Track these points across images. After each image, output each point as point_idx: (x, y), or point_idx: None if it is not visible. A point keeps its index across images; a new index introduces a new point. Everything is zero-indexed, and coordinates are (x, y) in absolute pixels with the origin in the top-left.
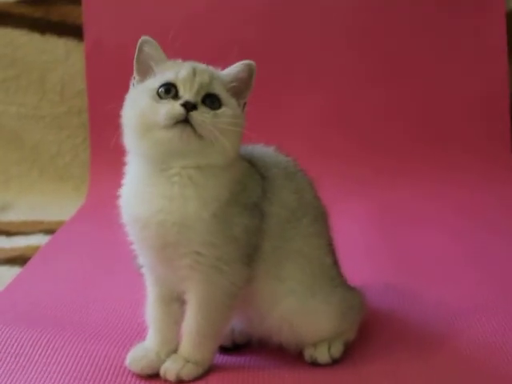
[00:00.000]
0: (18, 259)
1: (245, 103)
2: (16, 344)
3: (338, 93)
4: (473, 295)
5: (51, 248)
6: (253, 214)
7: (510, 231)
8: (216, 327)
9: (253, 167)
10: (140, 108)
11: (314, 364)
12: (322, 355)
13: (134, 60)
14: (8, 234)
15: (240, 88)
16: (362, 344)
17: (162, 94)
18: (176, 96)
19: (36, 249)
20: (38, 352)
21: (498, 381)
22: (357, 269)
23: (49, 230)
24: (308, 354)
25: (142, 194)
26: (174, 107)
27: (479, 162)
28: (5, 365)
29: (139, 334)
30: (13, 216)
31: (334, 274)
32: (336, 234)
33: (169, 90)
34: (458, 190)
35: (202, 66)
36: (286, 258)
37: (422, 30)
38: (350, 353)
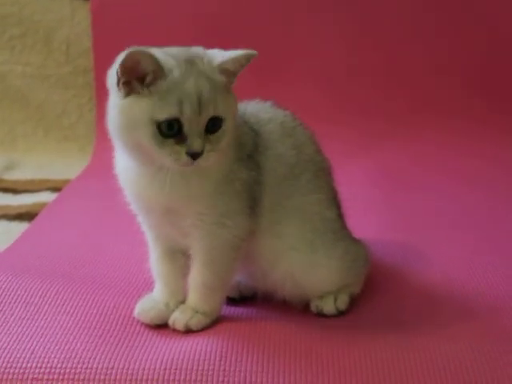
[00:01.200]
0: (26, 215)
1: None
2: (26, 294)
3: (338, 54)
4: (473, 252)
5: (58, 204)
6: (249, 167)
7: (506, 191)
8: (222, 279)
9: (245, 124)
10: (139, 139)
11: (320, 315)
12: (328, 306)
13: (120, 69)
14: (15, 191)
15: (234, 72)
16: (367, 296)
17: (165, 131)
18: (179, 132)
19: (43, 205)
20: (48, 302)
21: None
22: (358, 226)
23: (55, 187)
24: (314, 304)
25: (138, 176)
26: (181, 157)
27: (481, 127)
28: (15, 313)
29: (147, 285)
30: (19, 174)
31: (337, 227)
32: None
33: (172, 126)
34: (459, 155)
35: (206, 89)
36: (285, 215)
37: None
38: (356, 304)
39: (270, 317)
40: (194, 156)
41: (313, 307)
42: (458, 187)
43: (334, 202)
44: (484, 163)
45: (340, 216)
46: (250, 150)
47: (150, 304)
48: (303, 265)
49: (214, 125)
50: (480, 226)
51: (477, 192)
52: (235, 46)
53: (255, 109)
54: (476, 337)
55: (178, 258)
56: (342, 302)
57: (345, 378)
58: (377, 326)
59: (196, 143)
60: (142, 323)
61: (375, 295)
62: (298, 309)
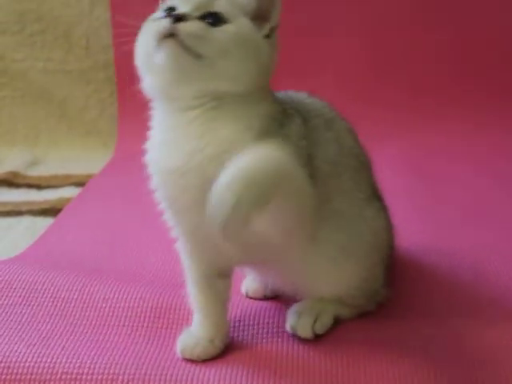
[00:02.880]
0: (50, 211)
1: (274, 27)
2: (53, 288)
3: (373, 36)
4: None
5: (82, 199)
6: (299, 145)
7: None
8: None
9: (293, 110)
10: (140, 39)
11: (294, 335)
12: (304, 328)
13: None
14: (39, 187)
15: (263, 8)
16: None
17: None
18: None
19: (67, 201)
20: (75, 296)
21: None
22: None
23: (78, 182)
24: (289, 323)
25: (169, 142)
26: (161, 22)
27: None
28: (43, 309)
29: (172, 278)
30: (43, 170)
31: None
32: None
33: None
34: (497, 133)
35: None
36: (324, 219)
37: None
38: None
39: None
40: (175, 18)
41: (287, 326)
42: (482, 179)
43: (374, 198)
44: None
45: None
46: (299, 136)
47: (192, 341)
48: (332, 271)
49: (212, 20)
50: (503, 214)
51: (502, 185)
52: None
53: (297, 98)
54: None
55: (218, 282)
56: (322, 325)
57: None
58: (407, 316)
59: (182, 11)
60: (169, 316)
61: (402, 285)
62: None
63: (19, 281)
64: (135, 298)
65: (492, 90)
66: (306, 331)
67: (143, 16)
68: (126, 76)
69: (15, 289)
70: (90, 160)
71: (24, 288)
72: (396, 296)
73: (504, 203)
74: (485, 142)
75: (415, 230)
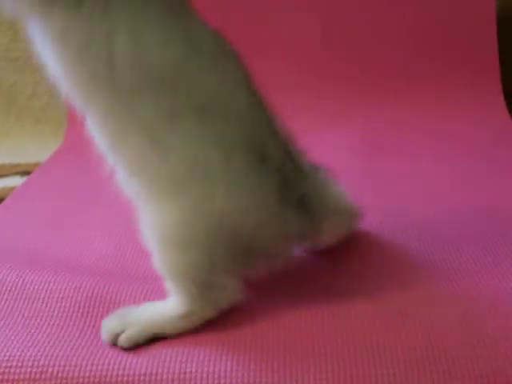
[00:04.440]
0: None
1: None
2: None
3: (327, 12)
4: (459, 219)
5: (26, 188)
6: None
7: (495, 158)
8: None
9: None
10: None
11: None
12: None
13: None
14: None
15: None
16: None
17: None
18: None
19: (11, 190)
20: (8, 288)
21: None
22: None
23: (25, 171)
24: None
25: None
26: None
27: (466, 90)
28: None
29: (110, 268)
30: None
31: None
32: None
33: None
34: (445, 119)
35: None
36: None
37: None
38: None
39: None
40: None
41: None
42: (437, 148)
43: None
44: (459, 124)
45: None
46: None
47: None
48: None
49: None
50: (468, 191)
51: (455, 150)
52: None
53: None
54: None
55: None
56: (128, 338)
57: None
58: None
59: None
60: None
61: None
62: None
63: None
64: (70, 288)
65: (444, 63)
66: (106, 338)
67: None
68: None
69: None
70: (39, 148)
71: None
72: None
73: (450, 183)
74: (437, 113)
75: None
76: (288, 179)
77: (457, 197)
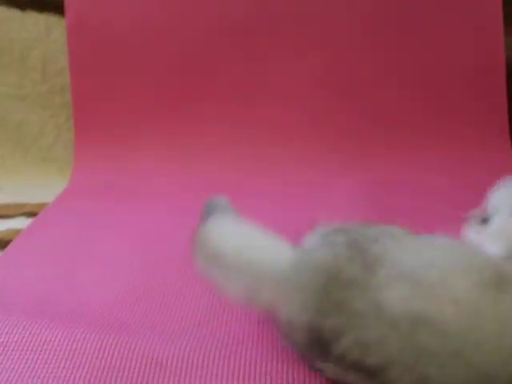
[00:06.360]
0: None
1: None
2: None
3: (330, 59)
4: None
5: (32, 231)
6: None
7: None
8: None
9: None
10: None
11: None
12: None
13: None
14: None
15: None
16: None
17: None
18: None
19: (17, 232)
20: (15, 339)
21: None
22: None
23: (31, 212)
24: None
25: None
26: None
27: (476, 134)
28: None
29: (117, 318)
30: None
31: None
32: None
33: None
34: (453, 163)
35: None
36: None
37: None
38: None
39: None
40: None
41: None
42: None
43: None
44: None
45: None
46: None
47: None
48: None
49: None
50: None
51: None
52: None
53: None
54: None
55: None
56: None
57: None
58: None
59: None
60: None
61: None
62: None
63: None
64: (78, 340)
65: (450, 120)
66: None
67: (99, 40)
68: (82, 101)
69: None
70: (46, 188)
71: None
72: None
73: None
74: (441, 170)
75: None
76: None
77: None
